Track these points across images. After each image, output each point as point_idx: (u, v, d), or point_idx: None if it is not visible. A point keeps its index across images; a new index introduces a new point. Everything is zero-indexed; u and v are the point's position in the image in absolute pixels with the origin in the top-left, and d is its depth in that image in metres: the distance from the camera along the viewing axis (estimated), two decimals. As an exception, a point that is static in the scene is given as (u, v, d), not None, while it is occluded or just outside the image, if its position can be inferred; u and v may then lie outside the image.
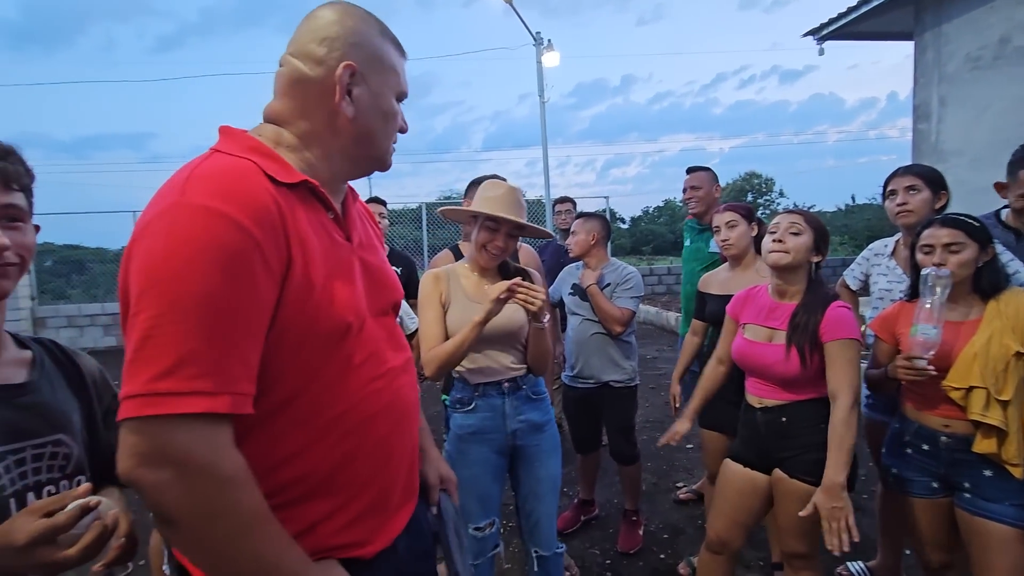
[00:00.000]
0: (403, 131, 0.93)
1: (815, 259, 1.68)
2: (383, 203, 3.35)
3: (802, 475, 1.58)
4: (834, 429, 1.52)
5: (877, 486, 2.15)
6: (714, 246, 2.91)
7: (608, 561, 2.50)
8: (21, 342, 0.92)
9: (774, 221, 1.72)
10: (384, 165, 0.93)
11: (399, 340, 0.98)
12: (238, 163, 0.75)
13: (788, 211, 1.73)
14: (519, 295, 1.51)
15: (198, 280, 0.65)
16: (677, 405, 2.40)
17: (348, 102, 0.83)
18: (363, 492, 0.86)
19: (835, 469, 1.49)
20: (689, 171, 3.00)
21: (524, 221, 1.69)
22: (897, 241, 2.11)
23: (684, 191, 3.00)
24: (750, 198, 32.64)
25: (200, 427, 0.66)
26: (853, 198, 25.26)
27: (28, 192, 0.84)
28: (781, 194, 33.90)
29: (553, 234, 2.80)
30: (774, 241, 1.67)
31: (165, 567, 1.82)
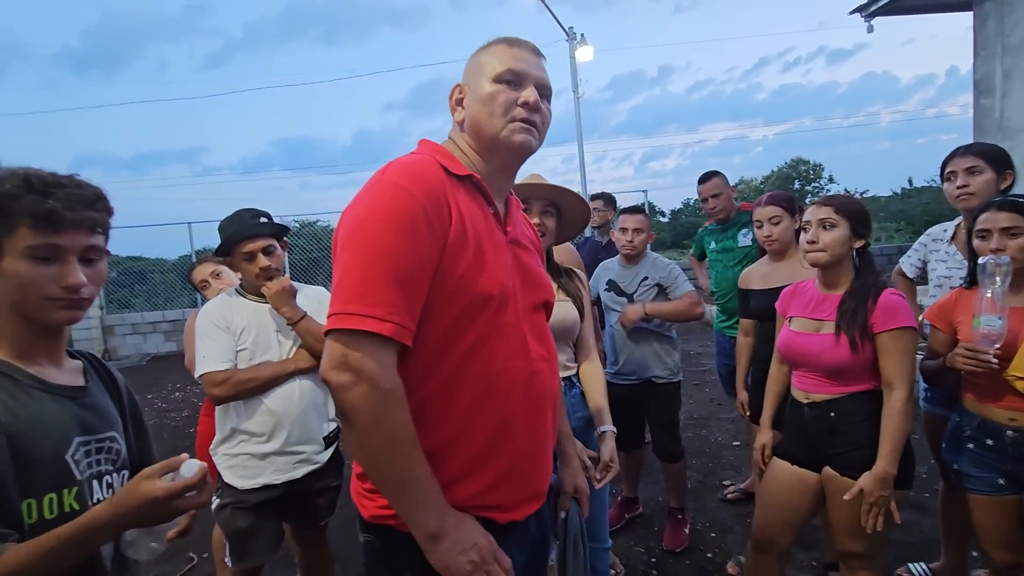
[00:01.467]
0: (521, 103, 0.99)
1: (857, 245, 1.61)
2: None
3: (855, 472, 1.52)
4: (889, 419, 1.47)
5: (940, 484, 2.05)
6: (743, 240, 2.85)
7: (653, 559, 2.48)
8: (70, 353, 1.02)
9: (805, 217, 1.65)
10: (509, 143, 1.00)
11: (546, 338, 1.10)
12: (421, 158, 0.98)
13: (818, 202, 1.65)
14: None
15: (380, 234, 0.87)
16: (748, 413, 2.33)
17: (460, 109, 1.05)
18: (494, 459, 0.97)
19: (888, 459, 1.44)
20: (703, 179, 2.97)
21: (551, 183, 1.69)
22: (957, 225, 2.01)
23: (704, 200, 2.97)
24: (797, 186, 31.41)
25: (371, 344, 0.85)
26: (910, 181, 23.89)
27: (107, 231, 0.94)
28: (830, 180, 32.51)
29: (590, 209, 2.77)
30: (808, 242, 1.61)
31: (227, 558, 1.93)
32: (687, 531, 2.60)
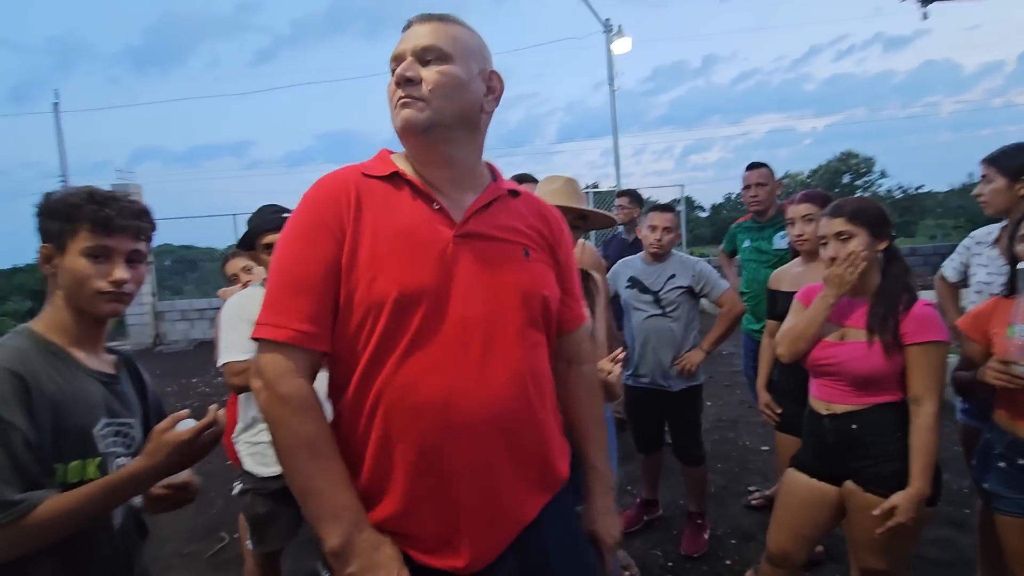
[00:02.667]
0: (398, 82, 0.92)
1: (881, 247, 1.53)
2: None
3: (879, 488, 1.46)
4: (919, 435, 1.41)
5: (979, 501, 1.94)
6: (779, 242, 2.73)
7: (670, 563, 2.44)
8: (109, 349, 1.16)
9: (820, 231, 1.58)
10: (397, 128, 0.93)
11: (511, 351, 0.93)
12: (339, 168, 0.99)
13: (828, 214, 1.56)
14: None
15: (281, 249, 0.93)
16: (777, 411, 2.23)
17: None
18: (396, 484, 0.88)
19: (923, 478, 1.40)
20: (751, 168, 2.85)
21: (583, 207, 1.70)
22: (1003, 228, 1.88)
23: (746, 188, 2.85)
24: (846, 180, 30.03)
25: (270, 351, 0.88)
26: (971, 176, 22.52)
27: (149, 240, 1.10)
28: (883, 175, 31.03)
29: (616, 219, 2.75)
30: (830, 258, 1.53)
31: (248, 542, 2.00)
32: (707, 536, 2.55)
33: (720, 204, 31.08)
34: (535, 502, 0.99)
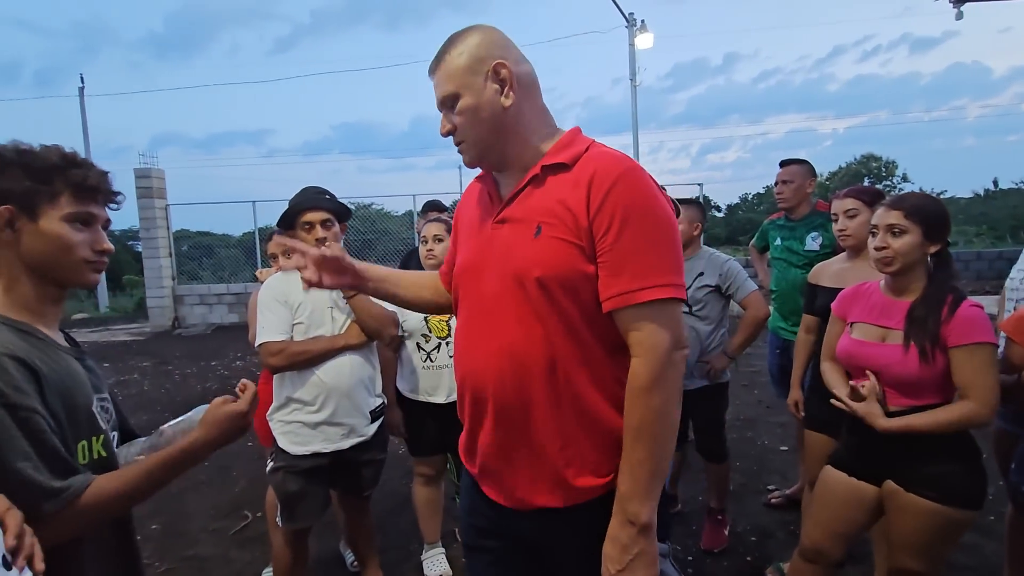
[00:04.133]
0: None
1: (931, 250, 1.50)
2: (441, 209, 3.59)
3: (921, 488, 1.44)
4: (950, 411, 1.41)
5: (1008, 507, 1.91)
6: (810, 243, 2.70)
7: (690, 558, 2.45)
8: None
9: (873, 220, 1.55)
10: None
11: (502, 314, 1.00)
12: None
13: (887, 204, 1.53)
14: None
15: None
16: (802, 414, 2.22)
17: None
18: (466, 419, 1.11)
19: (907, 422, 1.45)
20: (783, 164, 2.82)
21: None
22: None
23: (775, 185, 2.84)
24: (866, 183, 29.61)
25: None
26: (995, 182, 22.08)
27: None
28: (904, 179, 30.43)
29: None
30: (876, 248, 1.51)
31: (278, 519, 2.04)
32: (727, 532, 2.56)
33: (736, 204, 30.74)
34: (528, 490, 1.02)
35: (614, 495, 0.97)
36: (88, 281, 0.98)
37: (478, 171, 1.14)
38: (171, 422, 1.09)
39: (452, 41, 1.01)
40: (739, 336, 2.47)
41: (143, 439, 1.10)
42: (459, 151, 1.06)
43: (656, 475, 0.95)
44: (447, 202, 4.49)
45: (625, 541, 0.94)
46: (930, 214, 1.48)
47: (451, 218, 2.36)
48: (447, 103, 1.02)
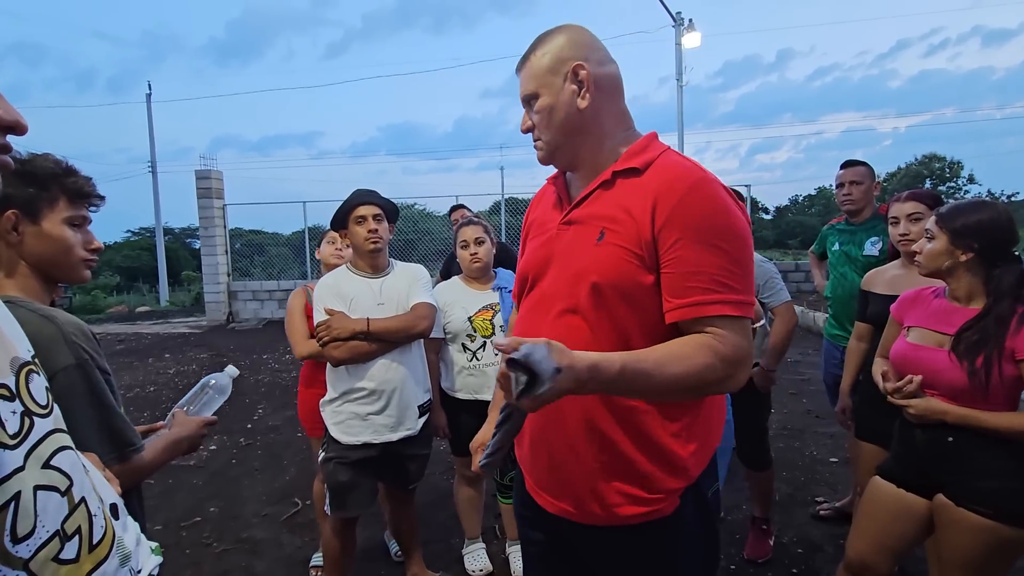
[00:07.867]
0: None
1: (963, 258, 1.46)
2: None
3: (973, 504, 1.39)
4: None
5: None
6: (870, 248, 2.60)
7: (733, 567, 2.41)
8: None
9: (927, 226, 1.56)
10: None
11: (550, 317, 1.02)
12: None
13: (938, 216, 1.52)
14: None
15: None
16: (851, 422, 2.17)
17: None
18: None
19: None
20: (845, 165, 2.70)
21: None
22: None
23: (839, 186, 2.72)
24: (928, 185, 28.04)
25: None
26: (1075, 184, 20.42)
27: None
28: (970, 180, 28.64)
29: None
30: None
31: (327, 507, 2.13)
32: (771, 543, 2.50)
33: (785, 206, 29.63)
34: (570, 501, 1.04)
35: (657, 523, 0.99)
36: (83, 277, 1.09)
37: (550, 170, 1.15)
38: (187, 396, 1.29)
39: (539, 41, 1.04)
40: (776, 348, 2.39)
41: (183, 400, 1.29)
42: (535, 147, 1.09)
43: (633, 386, 0.86)
44: (487, 204, 4.60)
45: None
46: (965, 226, 1.46)
47: (478, 217, 2.38)
48: (528, 101, 1.05)
